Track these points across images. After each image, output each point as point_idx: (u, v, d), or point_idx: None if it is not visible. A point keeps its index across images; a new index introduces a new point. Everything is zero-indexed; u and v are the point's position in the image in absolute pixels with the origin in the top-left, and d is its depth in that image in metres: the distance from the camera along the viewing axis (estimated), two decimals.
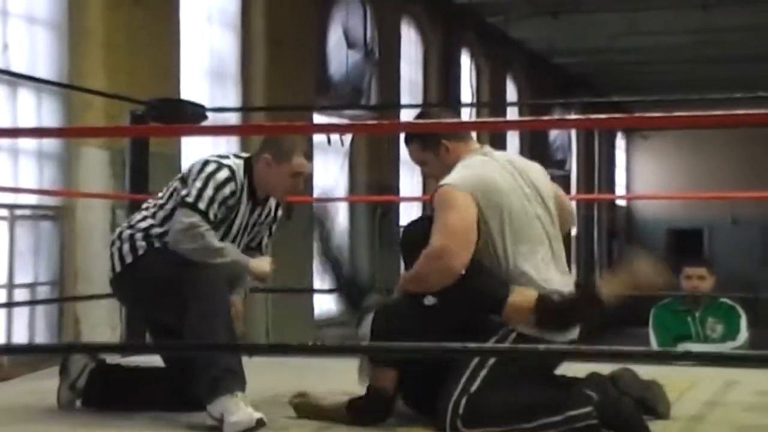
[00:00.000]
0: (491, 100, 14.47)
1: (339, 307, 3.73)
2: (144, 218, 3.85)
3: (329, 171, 10.43)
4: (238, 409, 3.46)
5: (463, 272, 3.43)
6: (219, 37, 8.57)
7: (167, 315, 3.75)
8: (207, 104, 6.50)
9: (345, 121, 9.95)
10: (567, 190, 18.02)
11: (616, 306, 3.48)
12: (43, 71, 6.45)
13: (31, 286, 6.44)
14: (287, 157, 3.80)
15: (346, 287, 3.76)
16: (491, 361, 3.41)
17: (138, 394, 3.85)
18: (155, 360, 3.91)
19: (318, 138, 9.82)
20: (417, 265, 3.50)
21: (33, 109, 6.44)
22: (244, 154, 3.93)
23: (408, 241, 3.66)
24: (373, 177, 10.91)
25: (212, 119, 5.92)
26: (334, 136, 10.28)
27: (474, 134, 3.85)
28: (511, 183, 3.55)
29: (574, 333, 3.53)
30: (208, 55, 8.36)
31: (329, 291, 4.15)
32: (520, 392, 3.39)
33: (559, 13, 13.46)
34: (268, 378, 4.13)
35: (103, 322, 6.54)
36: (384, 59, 10.98)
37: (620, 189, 23.30)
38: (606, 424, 3.28)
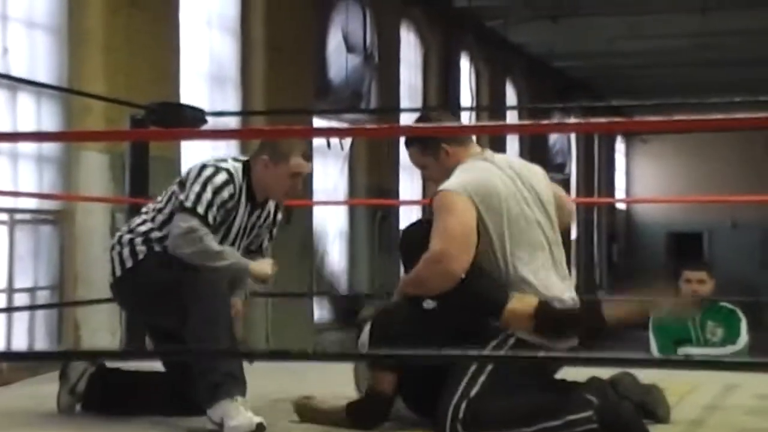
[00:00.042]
0: (491, 104, 14.47)
1: (334, 320, 3.77)
2: (143, 222, 3.85)
3: (329, 174, 10.43)
4: (238, 413, 3.46)
5: (463, 276, 3.43)
6: (219, 41, 8.57)
7: (168, 319, 3.75)
8: (207, 108, 6.50)
9: (345, 125, 9.95)
10: (567, 193, 17.99)
11: (617, 327, 3.49)
12: (43, 75, 6.45)
13: (31, 290, 6.43)
14: (285, 158, 3.80)
15: (342, 310, 3.79)
16: (491, 365, 3.41)
17: (138, 398, 3.85)
18: (155, 364, 3.90)
19: (318, 142, 9.81)
20: (416, 269, 3.50)
21: (33, 113, 6.44)
22: (243, 157, 3.93)
23: (407, 243, 3.66)
24: (373, 180, 10.91)
25: (212, 123, 5.92)
26: (334, 140, 10.28)
27: (474, 138, 3.85)
28: (511, 188, 3.55)
29: (574, 340, 3.52)
30: (207, 59, 8.37)
31: (329, 294, 4.16)
32: (520, 396, 3.39)
33: (558, 17, 13.47)
34: (268, 382, 4.13)
35: (103, 326, 6.53)
36: (383, 63, 10.99)
37: (620, 192, 23.31)
38: (606, 429, 3.28)
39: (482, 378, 3.38)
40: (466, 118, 12.98)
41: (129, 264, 3.79)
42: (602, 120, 2.59)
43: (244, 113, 8.64)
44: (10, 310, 6.15)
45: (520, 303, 3.43)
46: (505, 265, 3.48)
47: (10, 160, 6.29)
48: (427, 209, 3.85)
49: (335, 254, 10.66)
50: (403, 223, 11.11)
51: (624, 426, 3.30)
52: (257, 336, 8.42)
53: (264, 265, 3.84)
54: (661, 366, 3.65)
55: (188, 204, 3.69)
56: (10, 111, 6.29)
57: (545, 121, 2.94)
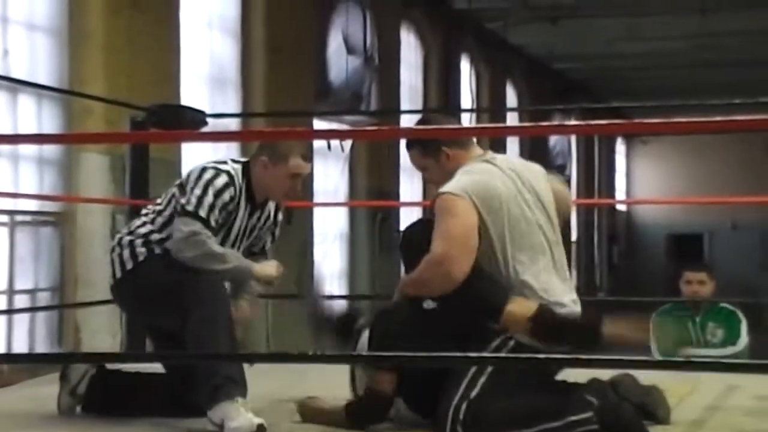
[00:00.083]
0: (491, 106, 14.48)
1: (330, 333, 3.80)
2: (143, 224, 3.86)
3: (329, 176, 10.43)
4: (239, 414, 3.47)
5: (464, 279, 3.44)
6: (219, 43, 8.58)
7: (168, 321, 3.75)
8: (207, 110, 6.50)
9: (345, 127, 9.96)
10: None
11: (612, 344, 3.51)
12: (44, 77, 6.45)
13: (32, 292, 6.43)
14: (284, 159, 3.81)
15: (338, 325, 3.80)
16: (491, 367, 3.42)
17: (138, 399, 3.85)
18: (156, 366, 3.91)
19: (318, 143, 9.82)
20: (417, 271, 3.51)
21: (33, 114, 6.45)
22: (242, 159, 3.94)
23: (408, 243, 3.67)
24: (373, 182, 10.92)
25: (212, 125, 5.92)
26: (335, 142, 10.29)
27: (474, 140, 3.86)
28: (512, 190, 3.55)
29: (567, 348, 3.53)
30: (208, 60, 8.37)
31: (331, 297, 4.17)
32: (520, 398, 3.39)
33: (557, 19, 13.48)
34: (269, 383, 4.13)
35: (103, 328, 6.54)
36: (384, 65, 11.00)
37: (620, 194, 23.33)
38: (606, 430, 3.28)
39: (482, 379, 3.39)
40: (467, 120, 13.00)
41: (129, 266, 3.80)
42: (603, 122, 2.60)
43: (245, 115, 8.64)
44: (10, 311, 6.16)
45: (519, 306, 3.43)
46: (505, 267, 3.49)
47: (10, 161, 6.29)
48: (428, 211, 3.86)
49: (335, 256, 10.67)
50: (404, 224, 11.12)
51: (624, 427, 3.30)
52: (257, 337, 8.42)
53: (268, 267, 3.85)
54: (661, 367, 3.66)
55: (190, 207, 3.70)
56: (11, 113, 6.29)
57: (546, 123, 2.94)
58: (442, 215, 3.47)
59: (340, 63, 9.99)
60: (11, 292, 6.26)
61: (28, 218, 6.44)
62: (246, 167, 3.85)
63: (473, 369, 3.40)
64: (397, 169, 11.37)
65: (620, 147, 23.89)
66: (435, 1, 12.70)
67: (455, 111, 12.91)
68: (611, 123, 2.50)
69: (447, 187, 3.52)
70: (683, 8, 13.02)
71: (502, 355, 3.42)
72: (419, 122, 4.02)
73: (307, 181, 4.32)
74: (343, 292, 10.66)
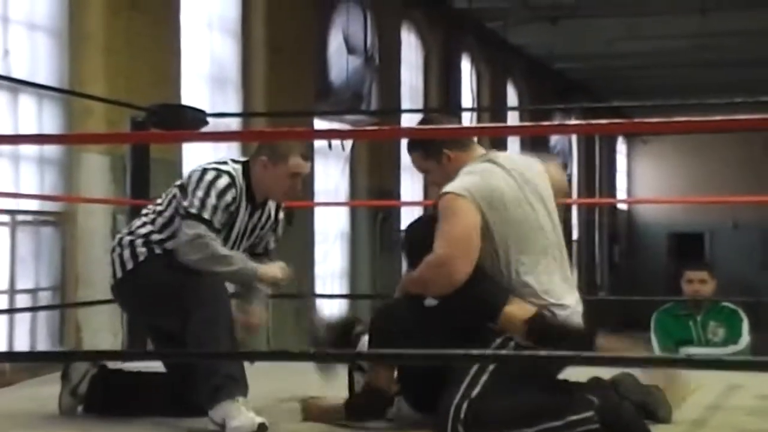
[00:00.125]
0: (492, 105, 14.48)
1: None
2: (143, 224, 3.86)
3: (330, 176, 10.43)
4: (240, 413, 3.47)
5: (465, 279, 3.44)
6: (219, 43, 8.58)
7: (169, 321, 3.75)
8: (208, 110, 6.50)
9: (346, 127, 9.96)
10: (568, 194, 18.02)
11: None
12: (44, 77, 6.45)
13: (33, 291, 6.44)
14: (284, 159, 3.81)
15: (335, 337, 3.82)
16: (492, 366, 3.42)
17: (139, 399, 3.86)
18: (157, 365, 3.91)
19: (319, 143, 9.82)
20: (419, 271, 3.51)
21: (34, 115, 6.45)
22: (242, 159, 3.94)
23: (411, 241, 3.68)
24: (374, 182, 10.92)
25: (213, 125, 5.92)
26: (335, 142, 10.29)
27: (475, 139, 3.86)
28: (515, 190, 3.55)
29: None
30: (208, 60, 8.37)
31: (331, 296, 4.18)
32: (521, 397, 3.39)
33: (557, 19, 13.48)
34: (270, 382, 4.13)
35: (104, 327, 6.54)
36: (384, 65, 11.00)
37: (621, 193, 23.32)
38: (607, 429, 3.29)
39: (484, 378, 3.39)
40: (467, 120, 12.99)
41: (130, 266, 3.80)
42: (603, 121, 2.60)
43: (245, 115, 8.64)
44: (11, 311, 6.16)
45: (517, 308, 3.44)
46: (507, 268, 3.49)
47: (11, 162, 6.30)
48: (429, 210, 3.87)
49: (336, 256, 10.67)
50: (404, 224, 11.11)
51: (625, 426, 3.30)
52: (258, 337, 8.42)
53: (274, 269, 3.84)
54: (662, 366, 3.65)
55: (193, 210, 3.70)
56: (12, 113, 6.29)
57: (546, 123, 2.94)
58: (445, 215, 3.47)
59: (340, 63, 9.99)
60: (12, 291, 6.26)
61: (29, 218, 6.44)
62: (246, 167, 3.85)
63: (475, 368, 3.40)
64: (397, 168, 11.37)
65: (621, 146, 23.89)
66: (435, 1, 12.70)
67: (456, 110, 12.90)
68: (612, 122, 2.51)
69: (450, 187, 3.52)
70: (683, 8, 13.01)
71: (503, 352, 3.42)
72: (420, 124, 4.03)
73: (308, 180, 4.32)
74: (344, 291, 10.66)
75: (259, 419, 3.46)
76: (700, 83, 16.63)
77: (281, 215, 4.05)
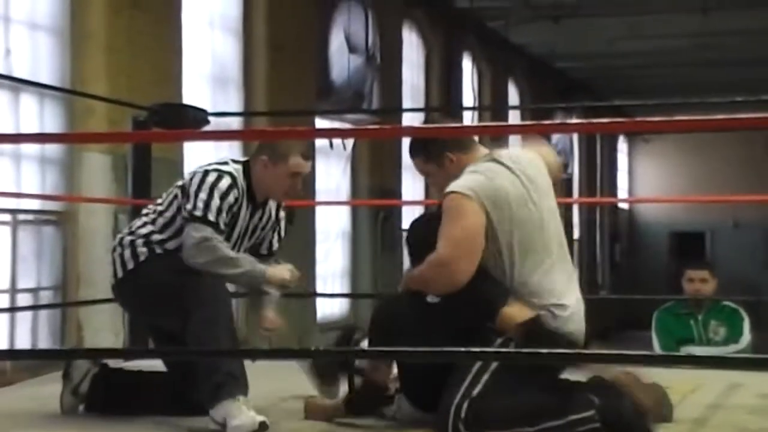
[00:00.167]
0: (493, 104, 14.47)
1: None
2: (144, 224, 3.86)
3: (331, 175, 10.43)
4: (241, 412, 3.47)
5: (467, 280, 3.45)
6: (221, 42, 8.58)
7: (169, 321, 3.76)
8: (209, 109, 6.50)
9: (347, 126, 9.96)
10: (569, 193, 18.03)
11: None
12: (46, 77, 6.46)
13: (34, 290, 6.44)
14: (284, 158, 3.81)
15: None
16: (494, 365, 3.42)
17: (141, 398, 3.86)
18: (158, 364, 3.91)
19: (320, 142, 9.82)
20: (421, 269, 3.52)
21: (35, 114, 6.45)
22: (242, 159, 3.94)
23: (415, 237, 3.69)
24: (375, 181, 10.92)
25: (214, 124, 5.92)
26: (337, 140, 10.29)
27: (477, 138, 3.85)
28: (519, 190, 3.55)
29: None
30: (210, 60, 8.37)
31: (332, 295, 4.19)
32: (522, 396, 3.39)
33: (559, 18, 13.47)
34: (271, 381, 4.14)
35: (105, 327, 6.54)
36: (386, 63, 10.99)
37: (622, 192, 23.31)
38: (608, 428, 3.29)
39: (485, 377, 3.39)
40: (469, 119, 12.98)
41: (130, 266, 3.80)
42: (605, 120, 2.60)
43: (247, 114, 8.64)
44: (13, 310, 6.16)
45: (515, 310, 3.44)
46: (510, 268, 3.49)
47: (13, 161, 6.30)
48: (431, 208, 3.87)
49: (337, 255, 10.67)
50: (406, 223, 11.11)
51: (626, 426, 3.30)
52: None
53: (282, 271, 3.84)
54: (664, 364, 3.66)
55: (198, 213, 3.70)
56: (13, 112, 6.29)
57: (548, 122, 2.94)
58: (449, 215, 3.47)
59: (342, 62, 9.99)
60: (14, 290, 6.26)
61: (30, 217, 6.44)
62: (246, 167, 3.86)
63: (476, 367, 3.40)
64: (399, 167, 11.37)
65: (622, 145, 23.87)
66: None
67: (457, 109, 12.90)
68: (613, 121, 2.51)
69: (455, 186, 3.52)
70: (685, 7, 13.01)
71: (503, 350, 3.42)
72: None
73: (309, 179, 4.33)
74: (345, 291, 10.66)
75: (259, 418, 3.47)
76: (702, 82, 16.62)
77: (282, 214, 4.05)
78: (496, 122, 10.03)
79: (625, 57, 15.67)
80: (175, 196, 3.83)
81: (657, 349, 5.90)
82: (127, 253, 3.81)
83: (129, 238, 3.85)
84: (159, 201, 3.93)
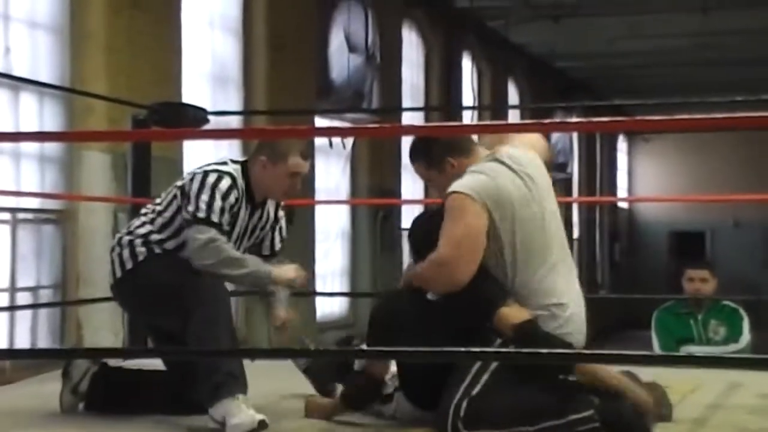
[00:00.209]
0: (493, 104, 14.47)
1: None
2: (143, 224, 3.86)
3: (331, 174, 10.43)
4: (240, 411, 3.48)
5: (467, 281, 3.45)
6: (220, 41, 8.58)
7: (169, 321, 3.76)
8: (209, 108, 6.50)
9: (347, 125, 9.96)
10: (569, 193, 18.03)
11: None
12: (45, 75, 6.45)
13: (34, 289, 6.44)
14: (283, 158, 3.81)
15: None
16: (494, 364, 3.42)
17: (140, 397, 3.86)
18: (157, 363, 3.91)
19: (320, 141, 9.82)
20: (422, 268, 3.52)
21: (35, 112, 6.44)
22: (240, 159, 3.94)
23: (417, 233, 3.69)
24: (375, 180, 10.92)
25: (214, 123, 5.92)
26: (336, 140, 10.29)
27: (476, 139, 3.85)
28: (522, 190, 3.55)
29: None
30: (209, 59, 8.37)
31: (331, 294, 4.20)
32: (522, 395, 3.39)
33: (559, 18, 13.47)
34: (271, 381, 4.13)
35: (105, 326, 6.54)
36: (385, 63, 10.99)
37: (622, 192, 23.31)
38: (608, 427, 3.29)
39: (485, 377, 3.39)
40: (469, 118, 12.98)
41: (129, 265, 3.80)
42: (605, 119, 2.60)
43: (247, 113, 8.64)
44: (12, 309, 6.16)
45: (512, 311, 3.44)
46: (513, 269, 3.49)
47: (12, 159, 6.29)
48: (432, 207, 3.87)
49: (337, 254, 10.67)
50: (405, 222, 11.11)
51: (626, 425, 3.30)
52: (260, 335, 8.42)
53: (287, 270, 3.85)
54: (663, 363, 3.65)
55: (201, 214, 3.70)
56: (13, 111, 6.29)
57: (547, 120, 2.94)
58: (452, 215, 3.47)
59: (341, 61, 9.98)
60: (13, 289, 6.26)
61: (29, 216, 6.44)
62: (245, 167, 3.86)
63: (476, 366, 3.41)
64: (398, 167, 11.37)
65: (622, 145, 23.87)
66: None
67: (457, 109, 12.90)
68: (613, 120, 2.51)
69: (458, 186, 3.51)
70: (685, 6, 13.00)
71: (503, 350, 3.42)
72: (419, 138, 3.91)
73: (308, 179, 4.33)
74: (345, 290, 10.66)
75: (259, 416, 3.47)
76: (702, 82, 16.62)
77: (281, 214, 4.05)
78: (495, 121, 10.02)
79: (625, 57, 15.67)
80: (175, 197, 3.83)
81: (657, 348, 5.90)
82: (126, 253, 3.81)
83: (128, 238, 3.84)
84: (158, 201, 3.93)
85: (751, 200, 18.23)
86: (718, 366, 4.26)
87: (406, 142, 3.89)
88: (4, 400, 4.30)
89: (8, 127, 6.11)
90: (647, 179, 23.65)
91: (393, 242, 11.04)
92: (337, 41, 9.98)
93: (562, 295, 3.53)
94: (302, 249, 9.09)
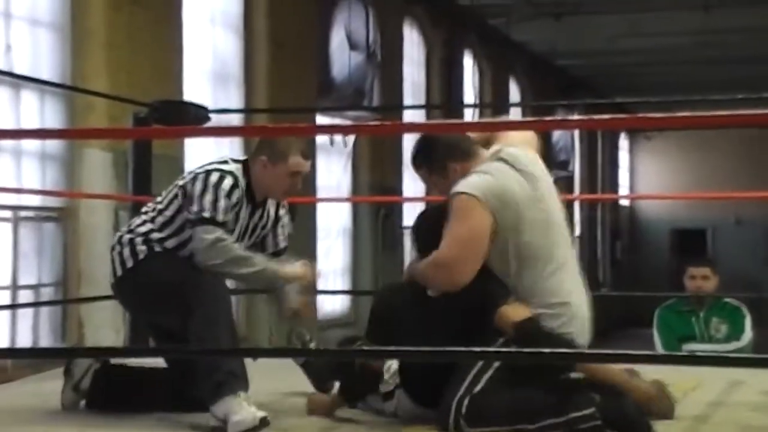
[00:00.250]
0: (494, 102, 14.47)
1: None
2: (143, 223, 3.86)
3: (332, 172, 10.43)
4: (242, 408, 3.48)
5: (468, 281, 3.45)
6: (222, 39, 8.58)
7: (169, 319, 3.76)
8: (210, 106, 6.50)
9: (348, 123, 9.96)
10: (570, 190, 18.02)
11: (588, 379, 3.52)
12: (46, 73, 6.46)
13: (35, 287, 6.44)
14: (283, 158, 3.81)
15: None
16: (496, 362, 3.42)
17: (142, 395, 3.86)
18: (159, 361, 3.91)
19: (321, 139, 9.81)
20: (424, 267, 3.52)
21: (36, 110, 6.45)
22: (241, 158, 3.94)
23: (421, 228, 3.69)
24: (376, 178, 10.92)
25: (215, 121, 5.92)
26: (337, 137, 10.28)
27: (477, 139, 3.84)
28: (527, 190, 3.55)
29: None
30: (210, 56, 8.37)
31: (333, 292, 4.20)
32: (523, 393, 3.39)
33: (560, 15, 13.47)
34: (273, 378, 4.13)
35: (106, 323, 6.54)
36: (386, 61, 10.99)
37: (623, 189, 23.31)
38: (609, 425, 3.28)
39: (487, 374, 3.39)
40: (470, 116, 12.98)
41: (130, 264, 3.80)
42: (606, 116, 2.59)
43: (248, 111, 8.64)
44: (14, 306, 6.16)
45: (512, 309, 3.44)
46: (517, 269, 3.49)
47: (13, 157, 6.30)
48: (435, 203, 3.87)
49: (338, 252, 10.67)
50: (406, 220, 11.11)
51: (628, 423, 3.30)
52: (261, 334, 8.42)
53: (294, 268, 3.84)
54: (665, 362, 3.65)
55: (207, 215, 3.70)
56: (14, 108, 6.29)
57: (549, 118, 2.94)
58: (456, 216, 3.47)
59: (342, 59, 9.98)
60: (15, 287, 6.26)
61: (31, 214, 6.44)
62: (245, 166, 3.85)
63: (478, 365, 3.41)
64: (399, 164, 11.36)
65: (623, 142, 23.86)
66: None
67: (458, 107, 12.89)
68: (614, 118, 2.51)
69: (463, 186, 3.51)
70: (686, 4, 13.00)
71: (504, 350, 3.42)
72: (421, 139, 3.88)
73: (309, 177, 4.32)
74: (346, 288, 10.66)
75: (260, 414, 3.47)
76: (703, 80, 16.61)
77: (282, 212, 4.04)
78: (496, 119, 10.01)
79: (626, 54, 15.66)
80: (176, 195, 3.82)
81: (658, 346, 5.90)
82: (127, 251, 3.81)
83: (128, 236, 3.84)
84: (159, 199, 3.92)
85: (752, 198, 18.22)
86: (719, 365, 4.26)
87: (408, 139, 3.89)
88: (6, 398, 4.30)
89: (9, 125, 6.11)
90: (649, 177, 23.65)
91: (394, 240, 11.04)
92: (338, 39, 9.97)
93: (567, 295, 3.53)
94: (303, 247, 9.09)
